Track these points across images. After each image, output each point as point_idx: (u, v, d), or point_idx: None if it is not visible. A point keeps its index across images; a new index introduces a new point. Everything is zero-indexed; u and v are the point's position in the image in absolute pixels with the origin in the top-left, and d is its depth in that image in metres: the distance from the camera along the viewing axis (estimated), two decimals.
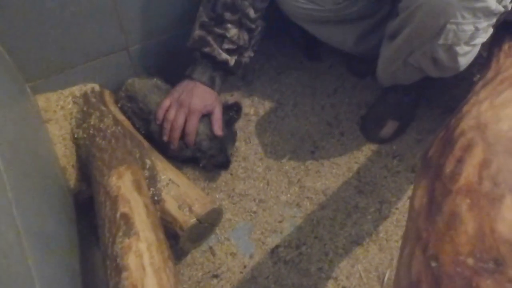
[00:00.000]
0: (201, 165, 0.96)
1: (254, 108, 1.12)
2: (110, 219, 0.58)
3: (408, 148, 1.05)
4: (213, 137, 0.94)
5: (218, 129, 0.93)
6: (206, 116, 0.94)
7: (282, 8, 0.96)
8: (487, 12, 0.71)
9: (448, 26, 0.72)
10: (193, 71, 0.93)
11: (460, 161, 0.47)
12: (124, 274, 0.48)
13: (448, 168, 0.47)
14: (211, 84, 0.93)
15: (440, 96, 1.13)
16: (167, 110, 0.92)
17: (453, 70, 0.83)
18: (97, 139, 0.82)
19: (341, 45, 1.05)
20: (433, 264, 0.33)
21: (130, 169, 0.72)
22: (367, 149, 1.05)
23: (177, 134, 0.91)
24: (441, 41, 0.75)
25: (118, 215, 0.57)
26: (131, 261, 0.49)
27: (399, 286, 0.35)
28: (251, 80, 1.17)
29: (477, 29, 0.73)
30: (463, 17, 0.71)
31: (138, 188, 0.68)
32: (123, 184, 0.66)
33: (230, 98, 1.13)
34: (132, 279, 0.47)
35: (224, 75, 0.95)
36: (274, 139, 1.07)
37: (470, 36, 0.74)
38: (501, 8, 0.72)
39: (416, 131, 1.08)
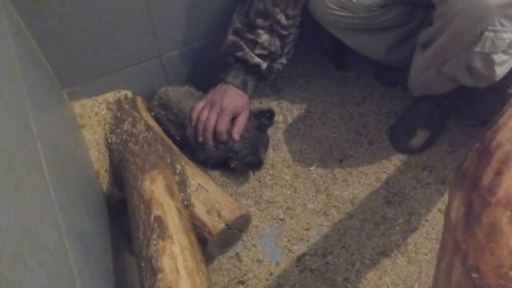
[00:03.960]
0: (232, 165, 0.97)
1: (282, 115, 1.13)
2: (144, 222, 0.59)
3: (439, 159, 1.03)
4: (245, 138, 0.96)
5: (236, 134, 0.95)
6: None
7: (313, 14, 0.97)
8: None
9: (486, 33, 0.71)
10: (227, 75, 0.96)
11: (498, 173, 0.47)
12: (159, 276, 0.49)
13: (486, 180, 0.46)
14: (243, 88, 0.95)
15: (472, 107, 1.11)
16: (201, 112, 0.95)
17: (488, 80, 0.81)
18: (130, 144, 0.84)
19: (373, 53, 1.05)
20: (474, 275, 0.32)
21: (162, 173, 0.73)
22: (396, 160, 1.04)
23: (209, 133, 0.94)
24: (477, 49, 0.74)
25: (152, 218, 0.59)
26: (165, 263, 0.50)
27: None
28: (280, 88, 1.18)
29: None
30: (502, 25, 0.70)
31: (170, 192, 0.69)
32: (156, 188, 0.67)
33: (260, 106, 1.14)
34: (167, 281, 0.48)
35: (256, 79, 0.97)
36: (302, 147, 1.07)
37: (509, 45, 0.73)
38: None
39: (447, 143, 1.06)
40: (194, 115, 0.96)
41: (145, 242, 0.55)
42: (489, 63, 0.77)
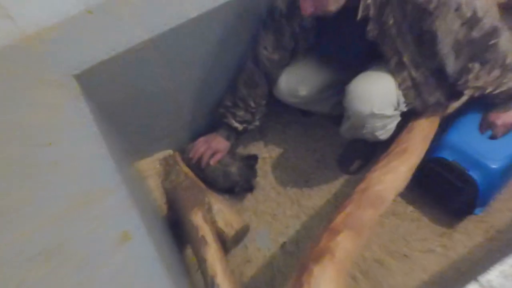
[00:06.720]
0: (236, 190, 1.58)
1: (268, 153, 1.72)
2: (196, 247, 1.21)
3: None
4: (242, 174, 1.56)
5: (212, 161, 1.57)
6: (238, 160, 1.58)
7: (279, 98, 1.55)
8: (389, 117, 1.27)
9: (366, 125, 1.29)
10: (218, 130, 1.58)
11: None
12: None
13: None
14: (227, 139, 1.58)
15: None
16: (199, 142, 1.59)
17: (381, 139, 1.38)
18: (178, 189, 1.45)
19: (322, 111, 1.62)
20: None
21: (200, 210, 1.34)
22: (342, 179, 1.62)
23: (204, 161, 1.56)
24: (364, 131, 1.32)
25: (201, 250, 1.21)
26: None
27: None
28: (266, 133, 1.76)
29: (384, 125, 1.29)
30: (376, 121, 1.26)
31: (205, 219, 1.30)
32: (200, 221, 1.29)
33: (248, 151, 1.73)
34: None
35: (236, 134, 1.58)
36: (282, 174, 1.66)
37: (381, 127, 1.30)
38: (397, 112, 1.27)
39: None
40: (194, 146, 1.59)
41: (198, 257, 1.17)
42: (375, 136, 1.33)
